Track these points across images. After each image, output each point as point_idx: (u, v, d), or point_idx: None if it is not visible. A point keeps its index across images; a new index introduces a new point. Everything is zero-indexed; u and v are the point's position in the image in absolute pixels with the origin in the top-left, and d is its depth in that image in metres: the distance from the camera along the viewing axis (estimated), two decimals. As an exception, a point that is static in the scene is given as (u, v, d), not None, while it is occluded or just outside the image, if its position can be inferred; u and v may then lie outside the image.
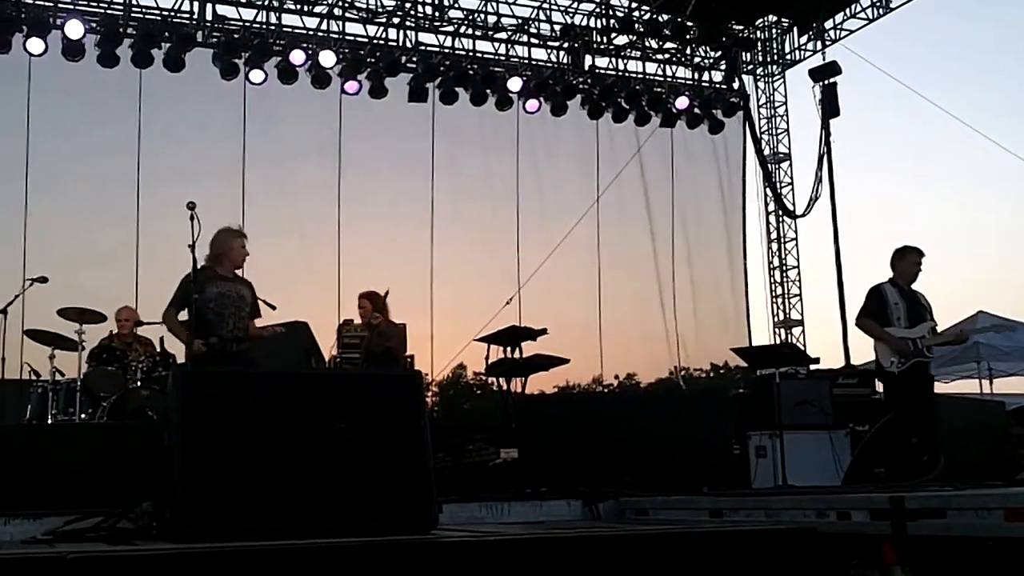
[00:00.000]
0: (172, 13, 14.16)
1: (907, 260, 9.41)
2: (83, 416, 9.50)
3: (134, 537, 4.53)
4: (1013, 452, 9.54)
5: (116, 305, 10.86)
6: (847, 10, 17.02)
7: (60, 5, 13.58)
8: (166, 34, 13.91)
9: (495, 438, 10.18)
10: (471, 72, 15.56)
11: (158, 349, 10.27)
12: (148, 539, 4.52)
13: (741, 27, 17.69)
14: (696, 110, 16.99)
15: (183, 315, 8.27)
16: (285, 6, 14.84)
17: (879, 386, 10.07)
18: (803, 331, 18.23)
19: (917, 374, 9.14)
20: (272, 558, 3.69)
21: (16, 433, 7.37)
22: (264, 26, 14.66)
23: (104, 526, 4.67)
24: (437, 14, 15.76)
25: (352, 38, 15.25)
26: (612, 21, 16.63)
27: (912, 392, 8.94)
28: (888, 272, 9.39)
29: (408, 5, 15.45)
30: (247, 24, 14.54)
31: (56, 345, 9.77)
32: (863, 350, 13.89)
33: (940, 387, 18.24)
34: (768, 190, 18.37)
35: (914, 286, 9.43)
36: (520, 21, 16.26)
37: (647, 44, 17.15)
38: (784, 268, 18.49)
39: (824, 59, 16.63)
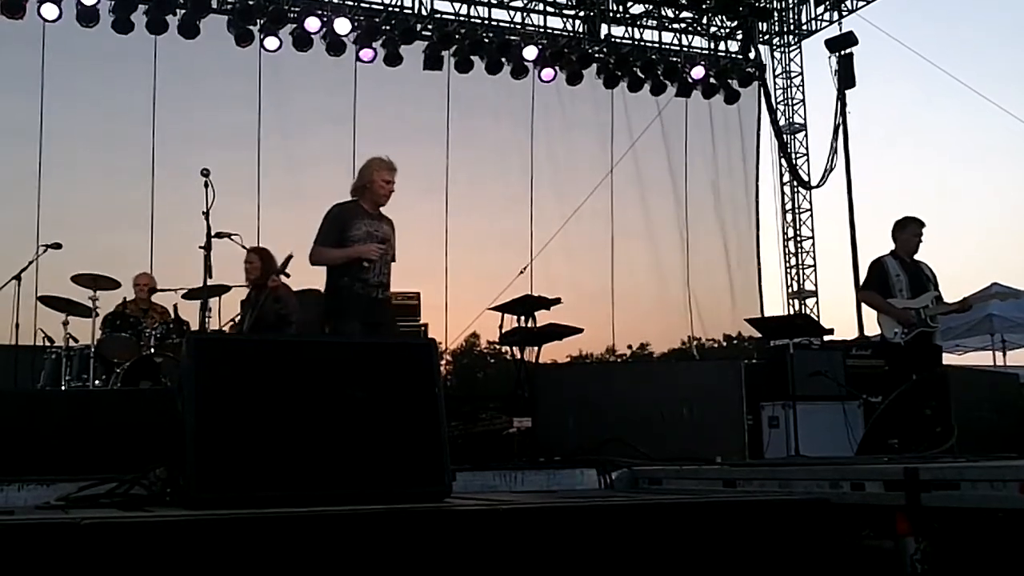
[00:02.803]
0: (186, -21, 14.08)
1: (907, 231, 9.42)
2: (97, 383, 9.56)
3: (147, 503, 4.54)
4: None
5: (130, 271, 10.91)
6: (864, -20, 16.90)
7: (75, -30, 13.50)
8: (181, 0, 13.87)
9: (508, 407, 10.16)
10: (486, 40, 15.47)
11: (172, 316, 10.31)
12: (161, 505, 4.53)
13: (758, -4, 17.57)
14: (712, 80, 16.92)
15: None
16: (300, -28, 14.76)
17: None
18: (817, 302, 18.22)
19: (922, 344, 9.15)
20: (285, 525, 3.70)
21: (30, 399, 7.37)
22: (279, -8, 14.59)
23: (117, 492, 4.67)
24: (453, -19, 15.68)
25: (367, 5, 15.13)
26: (628, -11, 16.55)
27: (918, 363, 8.93)
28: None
29: (424, -28, 15.38)
30: (262, -10, 14.47)
31: (70, 311, 9.81)
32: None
33: (954, 359, 18.35)
34: (783, 161, 18.33)
35: (918, 257, 9.43)
36: (536, -11, 16.17)
37: (663, 13, 17.07)
38: (798, 239, 18.45)
39: (840, 29, 16.52)
